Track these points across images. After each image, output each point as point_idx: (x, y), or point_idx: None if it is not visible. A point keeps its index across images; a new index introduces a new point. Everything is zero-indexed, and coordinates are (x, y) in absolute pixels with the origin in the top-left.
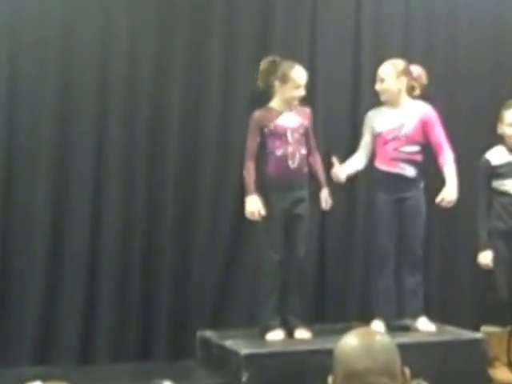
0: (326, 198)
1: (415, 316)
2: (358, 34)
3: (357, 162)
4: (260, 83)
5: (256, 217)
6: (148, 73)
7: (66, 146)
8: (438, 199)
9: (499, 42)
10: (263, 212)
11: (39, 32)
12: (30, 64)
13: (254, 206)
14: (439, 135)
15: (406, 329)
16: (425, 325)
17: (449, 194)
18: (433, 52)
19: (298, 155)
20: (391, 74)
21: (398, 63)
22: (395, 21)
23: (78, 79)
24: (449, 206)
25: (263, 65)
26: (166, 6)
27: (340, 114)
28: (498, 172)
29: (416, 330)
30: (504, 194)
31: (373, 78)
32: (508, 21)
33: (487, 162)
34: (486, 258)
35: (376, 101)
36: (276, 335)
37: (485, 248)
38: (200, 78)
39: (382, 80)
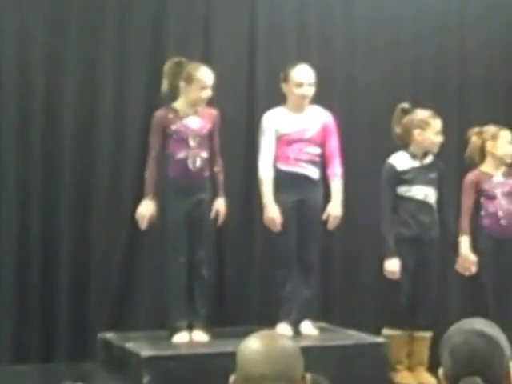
0: (218, 208)
1: (300, 319)
2: (253, 38)
3: (271, 171)
4: (164, 84)
5: (144, 221)
6: (40, 76)
7: None
8: (324, 216)
9: (397, 42)
10: (153, 219)
11: None
12: None
13: (146, 210)
14: (334, 146)
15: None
16: (308, 329)
17: (334, 209)
18: (329, 54)
19: (199, 158)
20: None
21: None
22: (290, 22)
23: None
24: (335, 222)
25: (168, 65)
26: (58, 4)
27: (235, 118)
28: (403, 178)
29: (299, 333)
30: (410, 200)
31: (268, 82)
32: (405, 20)
33: (392, 167)
34: (393, 265)
35: (272, 103)
36: (182, 337)
37: (392, 256)
38: (93, 82)
39: (312, 85)
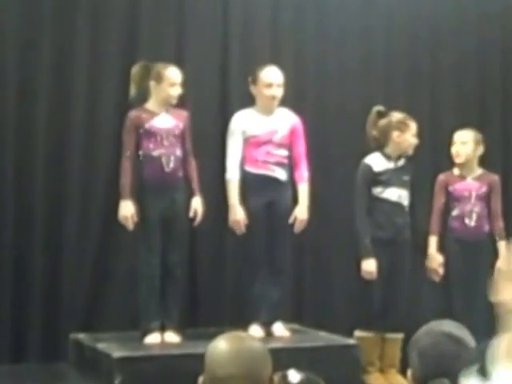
0: (195, 207)
1: (271, 321)
2: (226, 40)
3: (238, 172)
4: (133, 88)
5: (129, 222)
6: (13, 77)
7: None
8: (291, 219)
9: (369, 43)
10: (136, 218)
11: None
12: None
13: (127, 210)
14: (301, 150)
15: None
16: (280, 330)
17: (301, 213)
18: (302, 56)
19: (172, 158)
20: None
21: None
22: (263, 23)
23: None
24: (301, 225)
25: (135, 69)
26: (31, 8)
27: (208, 119)
28: (378, 179)
29: (270, 334)
30: (384, 201)
31: (241, 83)
32: (376, 21)
33: (369, 168)
34: (370, 265)
35: (245, 105)
36: (154, 338)
37: (369, 256)
38: (67, 84)
39: (281, 86)
